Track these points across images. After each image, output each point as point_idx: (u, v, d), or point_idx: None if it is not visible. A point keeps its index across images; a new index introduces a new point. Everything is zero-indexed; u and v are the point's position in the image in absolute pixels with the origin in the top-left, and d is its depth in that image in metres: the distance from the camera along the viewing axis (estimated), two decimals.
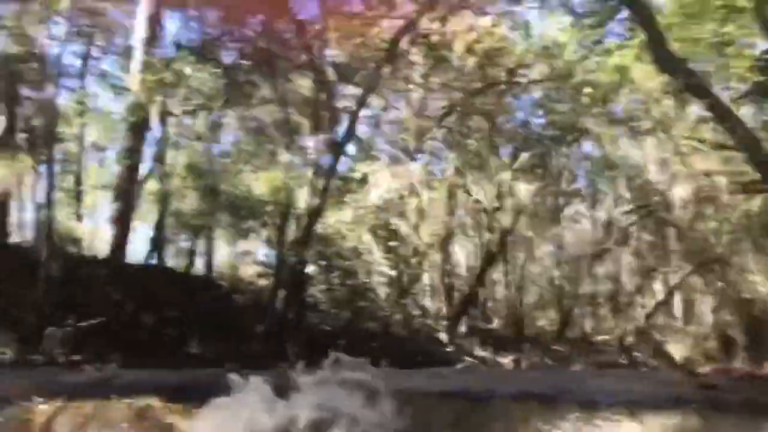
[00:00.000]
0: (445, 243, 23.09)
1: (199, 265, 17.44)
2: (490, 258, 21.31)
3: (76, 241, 18.02)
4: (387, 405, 5.27)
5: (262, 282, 18.42)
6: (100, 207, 23.28)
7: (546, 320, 26.72)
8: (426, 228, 20.38)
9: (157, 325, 14.62)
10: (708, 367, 21.52)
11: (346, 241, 18.38)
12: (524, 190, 19.93)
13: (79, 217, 19.31)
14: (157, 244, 15.44)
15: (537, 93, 21.11)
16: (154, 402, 5.75)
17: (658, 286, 27.76)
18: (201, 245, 17.14)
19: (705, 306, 27.39)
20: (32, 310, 11.95)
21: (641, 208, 23.50)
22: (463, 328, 21.25)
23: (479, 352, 20.60)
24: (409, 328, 18.63)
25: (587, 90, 18.31)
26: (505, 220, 20.84)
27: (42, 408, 5.59)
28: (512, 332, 23.03)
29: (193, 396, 6.01)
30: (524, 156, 20.72)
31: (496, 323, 23.75)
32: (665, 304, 26.61)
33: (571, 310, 24.92)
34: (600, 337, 24.34)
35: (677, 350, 25.64)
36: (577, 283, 25.19)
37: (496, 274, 25.26)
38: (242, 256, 18.73)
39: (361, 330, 17.61)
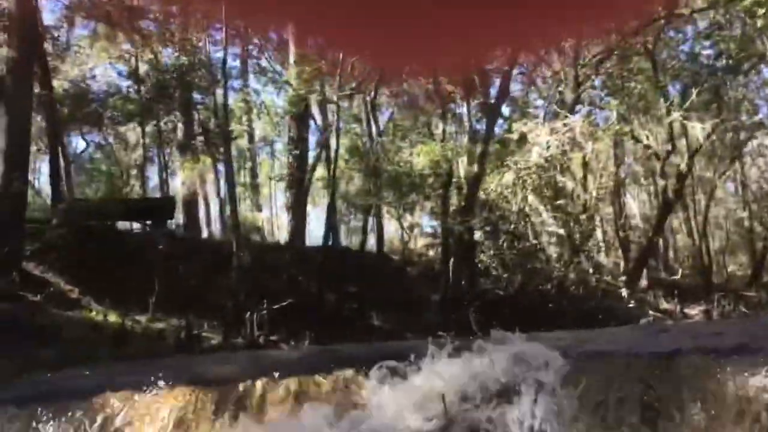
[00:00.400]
0: (616, 195, 22.35)
1: (371, 243, 18.30)
2: (667, 205, 20.30)
3: (258, 230, 19.61)
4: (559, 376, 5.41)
5: (431, 253, 18.96)
6: (275, 197, 25.09)
7: (736, 265, 25.10)
8: (594, 181, 19.82)
9: (339, 301, 15.61)
10: None
11: (511, 204, 18.35)
12: (698, 128, 18.72)
13: (258, 208, 20.91)
14: (331, 226, 16.40)
15: (702, 23, 19.62)
16: (353, 374, 6.31)
17: None
18: (371, 223, 17.95)
19: None
20: (229, 297, 13.25)
21: None
22: (644, 282, 20.57)
23: (664, 305, 19.85)
24: (585, 287, 18.31)
25: (761, 11, 16.75)
26: (680, 163, 19.73)
27: (258, 385, 6.36)
28: (699, 282, 21.91)
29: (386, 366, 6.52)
30: (694, 92, 19.40)
31: (680, 274, 22.66)
32: None
33: (764, 251, 23.18)
34: None
35: None
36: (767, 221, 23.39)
37: (676, 221, 24.08)
38: (410, 230, 19.34)
39: (535, 292, 17.60)
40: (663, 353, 5.30)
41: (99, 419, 6.08)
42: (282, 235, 18.90)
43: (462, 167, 17.65)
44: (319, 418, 5.70)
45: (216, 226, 20.94)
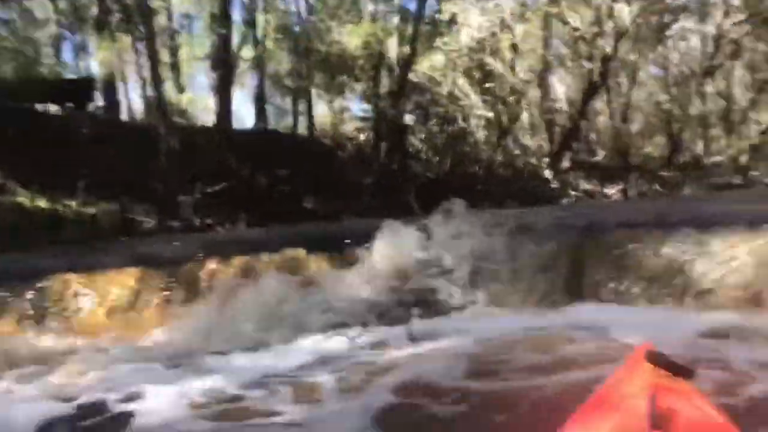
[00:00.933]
0: (542, 77, 22.80)
1: (301, 126, 18.25)
2: (591, 88, 20.95)
3: (182, 113, 19.15)
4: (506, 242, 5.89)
5: (362, 137, 19.13)
6: (197, 78, 24.34)
7: (653, 147, 26.38)
8: (522, 64, 20.14)
9: (270, 185, 15.74)
10: None
11: (441, 87, 18.54)
12: (625, 11, 19.09)
13: (180, 89, 20.32)
14: (260, 109, 16.23)
15: None
16: (301, 254, 6.61)
17: None
18: (301, 106, 17.83)
19: None
20: (160, 180, 13.16)
21: (755, 15, 22.08)
22: (566, 163, 21.47)
23: (585, 185, 20.91)
24: (512, 169, 19.04)
25: None
26: (605, 46, 20.19)
27: (207, 265, 6.59)
28: (618, 163, 23.02)
29: (333, 247, 6.86)
30: None
31: (601, 155, 23.71)
32: None
33: (680, 133, 24.43)
34: (712, 160, 23.92)
35: None
36: (685, 104, 24.47)
37: (599, 103, 24.86)
38: (340, 113, 19.35)
39: (465, 174, 18.17)
40: (588, 226, 5.82)
41: (54, 299, 6.22)
42: (208, 117, 18.54)
43: (393, 49, 17.57)
44: (279, 285, 6.02)
45: (137, 109, 20.33)
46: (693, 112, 24.39)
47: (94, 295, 6.38)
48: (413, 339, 4.24)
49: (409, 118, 18.17)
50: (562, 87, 24.45)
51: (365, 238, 6.78)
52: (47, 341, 5.52)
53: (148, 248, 8.07)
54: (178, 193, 12.31)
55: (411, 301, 5.10)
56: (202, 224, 12.13)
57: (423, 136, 18.70)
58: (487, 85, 18.82)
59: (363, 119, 18.63)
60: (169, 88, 19.11)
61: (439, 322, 5.01)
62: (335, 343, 4.56)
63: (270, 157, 16.03)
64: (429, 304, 5.52)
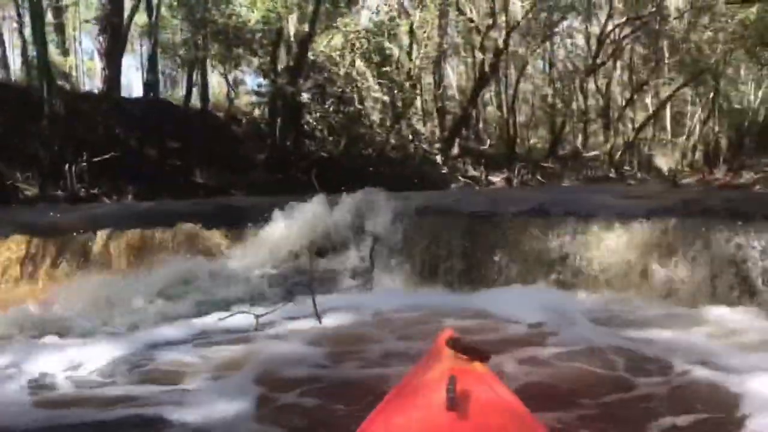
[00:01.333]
0: (436, 65, 23.40)
1: (194, 98, 17.84)
2: (482, 78, 21.74)
3: (66, 77, 18.29)
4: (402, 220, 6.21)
5: (257, 112, 18.99)
6: (82, 40, 23.26)
7: (537, 138, 27.75)
8: (418, 50, 20.58)
9: (161, 157, 15.37)
10: (692, 177, 22.90)
11: (339, 67, 18.65)
12: (518, 5, 19.92)
13: (64, 52, 19.38)
14: (152, 77, 15.75)
15: None
16: (197, 228, 6.63)
17: (648, 100, 28.58)
18: (194, 78, 17.41)
19: (693, 118, 28.39)
20: (42, 146, 12.56)
21: (635, 19, 23.61)
22: (455, 150, 22.22)
23: (471, 172, 21.73)
24: (404, 152, 19.47)
25: None
26: (498, 38, 20.99)
27: (99, 235, 6.48)
28: (503, 152, 24.05)
29: (228, 222, 6.91)
30: None
31: (487, 144, 24.67)
32: (655, 117, 27.55)
33: (562, 127, 25.81)
34: (590, 153, 25.47)
35: (664, 163, 26.99)
36: (568, 100, 25.86)
37: (488, 94, 25.81)
38: (236, 87, 19.09)
39: (358, 156, 18.41)
40: (481, 212, 6.22)
41: None
42: (94, 83, 17.83)
43: (292, 25, 17.50)
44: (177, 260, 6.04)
45: (15, 69, 19.22)
46: (575, 107, 25.83)
47: None
48: (317, 316, 4.41)
49: (305, 97, 18.16)
50: (455, 75, 25.26)
51: (260, 213, 6.88)
52: None
53: (33, 217, 7.80)
54: (62, 161, 11.82)
55: (311, 278, 5.27)
56: (87, 194, 11.73)
57: (318, 115, 18.73)
58: (384, 68, 19.10)
59: (258, 94, 18.46)
60: (50, 51, 18.22)
61: (340, 298, 5.23)
62: (231, 320, 4.65)
63: (160, 129, 15.63)
64: (330, 281, 5.74)
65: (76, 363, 3.99)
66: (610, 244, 5.19)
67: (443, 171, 18.95)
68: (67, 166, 11.60)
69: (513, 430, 1.90)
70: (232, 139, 17.72)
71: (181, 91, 18.21)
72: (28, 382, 3.68)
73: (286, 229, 6.35)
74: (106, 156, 12.11)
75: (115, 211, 9.09)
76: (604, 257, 5.18)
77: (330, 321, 4.67)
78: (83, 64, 23.45)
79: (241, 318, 4.67)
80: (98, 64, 17.26)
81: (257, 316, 4.49)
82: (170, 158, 15.54)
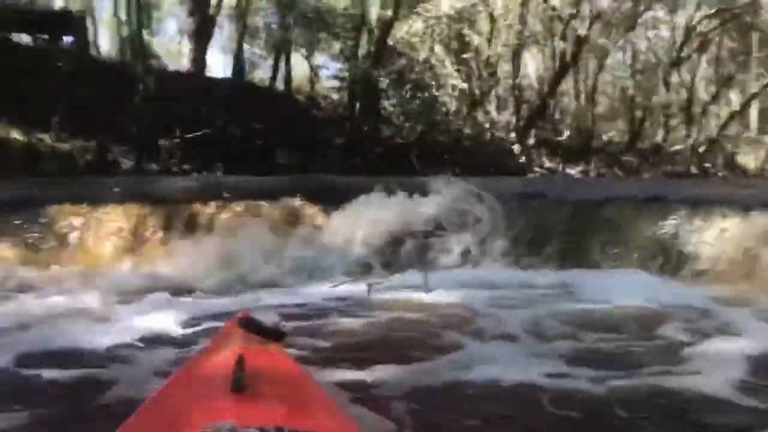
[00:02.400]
0: (516, 53, 23.30)
1: (277, 80, 18.33)
2: (563, 68, 21.58)
3: (154, 57, 19.03)
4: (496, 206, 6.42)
5: (336, 96, 19.37)
6: (168, 22, 24.12)
7: (615, 131, 27.28)
8: (498, 38, 20.57)
9: (245, 137, 15.91)
10: None
11: (418, 53, 18.86)
12: None
13: (152, 33, 20.15)
14: (239, 59, 16.29)
15: None
16: (299, 203, 6.96)
17: (734, 96, 27.71)
18: (279, 60, 17.87)
19: None
20: (135, 122, 13.23)
21: (725, 11, 22.96)
22: (531, 140, 22.13)
23: (547, 163, 21.63)
24: (480, 141, 19.55)
25: None
26: (580, 27, 20.78)
27: (208, 207, 6.90)
28: (581, 144, 23.80)
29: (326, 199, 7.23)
30: None
31: (565, 135, 24.43)
32: (741, 113, 26.71)
33: (642, 120, 25.31)
34: (671, 148, 24.91)
35: (749, 161, 26.18)
36: (650, 93, 25.34)
37: (565, 84, 25.51)
38: (318, 71, 19.50)
39: (434, 142, 18.60)
40: (586, 199, 6.37)
41: (55, 230, 6.47)
42: (179, 63, 18.49)
43: (374, 11, 17.79)
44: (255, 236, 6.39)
45: (107, 48, 20.07)
46: (656, 100, 25.27)
47: (101, 227, 6.65)
48: (426, 287, 4.67)
49: (384, 82, 18.44)
50: (534, 65, 25.07)
51: (356, 193, 7.19)
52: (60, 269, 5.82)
53: (143, 186, 8.30)
54: (155, 137, 12.43)
55: (411, 255, 5.55)
56: (179, 169, 12.31)
57: (396, 101, 19.01)
58: (463, 55, 19.22)
59: (339, 79, 18.85)
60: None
61: (445, 274, 5.46)
62: (344, 288, 4.95)
63: (245, 110, 16.16)
64: (434, 259, 5.99)
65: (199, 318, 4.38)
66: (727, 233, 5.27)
67: (520, 160, 18.94)
68: (161, 141, 12.17)
69: (299, 408, 1.82)
70: (312, 122, 18.15)
71: (261, 74, 18.72)
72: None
73: (387, 208, 6.61)
74: (198, 133, 12.64)
75: (215, 184, 9.53)
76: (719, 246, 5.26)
77: (437, 294, 4.93)
78: (169, 44, 24.26)
79: (351, 286, 4.97)
80: (186, 45, 17.91)
81: (370, 285, 4.78)
82: (253, 138, 16.08)
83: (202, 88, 15.83)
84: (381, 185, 7.23)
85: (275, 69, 17.05)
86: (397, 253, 6.13)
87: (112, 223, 6.66)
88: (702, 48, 24.74)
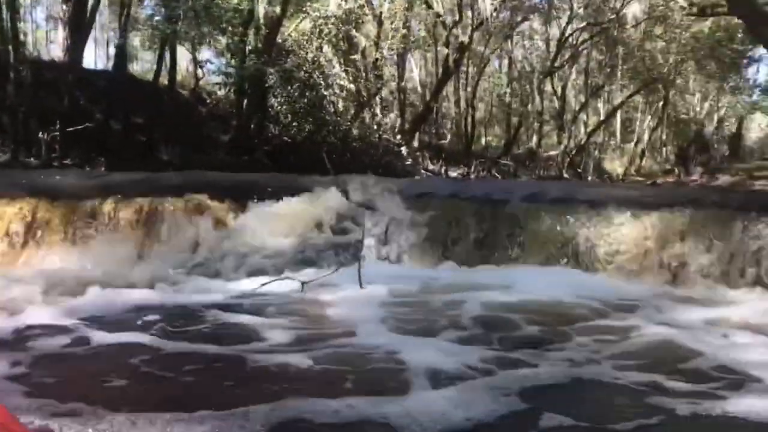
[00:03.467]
0: (400, 57, 23.81)
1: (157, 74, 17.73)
2: (446, 73, 22.24)
3: (22, 44, 17.88)
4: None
5: (221, 93, 19.01)
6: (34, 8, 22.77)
7: (492, 136, 28.51)
8: (385, 41, 20.93)
9: (126, 131, 15.32)
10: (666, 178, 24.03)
11: (306, 52, 18.85)
12: (487, 3, 20.49)
13: (19, 19, 18.93)
14: (122, 50, 15.63)
15: None
16: (204, 199, 6.84)
17: (600, 105, 29.71)
18: (164, 54, 17.29)
19: (643, 125, 29.68)
20: (8, 113, 12.43)
21: (594, 25, 24.56)
22: (415, 143, 22.69)
23: (430, 165, 22.25)
24: (368, 142, 19.79)
25: None
26: (462, 34, 21.53)
27: (108, 203, 6.64)
28: (461, 148, 24.67)
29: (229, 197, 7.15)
30: None
31: (446, 139, 25.23)
32: (605, 122, 28.67)
33: (518, 126, 26.59)
34: (545, 154, 26.32)
35: (615, 167, 28.14)
36: (525, 100, 26.67)
37: (447, 90, 26.35)
38: (203, 66, 19.05)
39: (322, 143, 18.64)
40: (488, 197, 6.70)
41: None
42: (54, 52, 17.53)
43: (263, 6, 17.61)
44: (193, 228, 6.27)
45: None
46: (531, 108, 26.64)
47: None
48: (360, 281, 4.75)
49: (272, 80, 18.28)
50: (417, 69, 25.73)
51: (262, 190, 7.18)
52: None
53: (31, 180, 7.84)
54: (33, 129, 11.73)
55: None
56: (60, 163, 11.68)
57: (283, 99, 18.89)
58: (351, 56, 19.40)
59: (225, 75, 18.47)
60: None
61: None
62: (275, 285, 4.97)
63: (126, 103, 15.55)
64: (347, 256, 6.09)
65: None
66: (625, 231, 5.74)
67: (408, 162, 19.37)
68: (40, 134, 11.50)
69: None
70: (197, 119, 17.74)
71: (137, 66, 18.06)
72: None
73: (298, 204, 6.65)
74: (80, 127, 12.06)
75: (111, 179, 9.13)
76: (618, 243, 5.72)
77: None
78: (33, 34, 22.91)
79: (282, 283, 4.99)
80: (60, 34, 16.98)
81: (304, 283, 4.82)
82: (135, 133, 15.52)
83: (80, 79, 15.07)
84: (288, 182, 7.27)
85: (159, 62, 16.49)
86: (316, 249, 6.18)
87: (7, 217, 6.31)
88: (573, 59, 26.32)
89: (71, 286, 5.13)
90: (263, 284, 4.98)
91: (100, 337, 3.94)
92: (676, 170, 26.05)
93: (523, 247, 6.01)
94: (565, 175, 23.63)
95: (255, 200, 6.84)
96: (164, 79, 17.33)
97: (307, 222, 6.44)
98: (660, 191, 9.32)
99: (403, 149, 19.89)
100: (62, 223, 6.40)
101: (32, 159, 11.39)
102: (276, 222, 6.44)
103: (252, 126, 17.82)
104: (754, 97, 30.26)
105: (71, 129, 12.04)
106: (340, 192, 6.76)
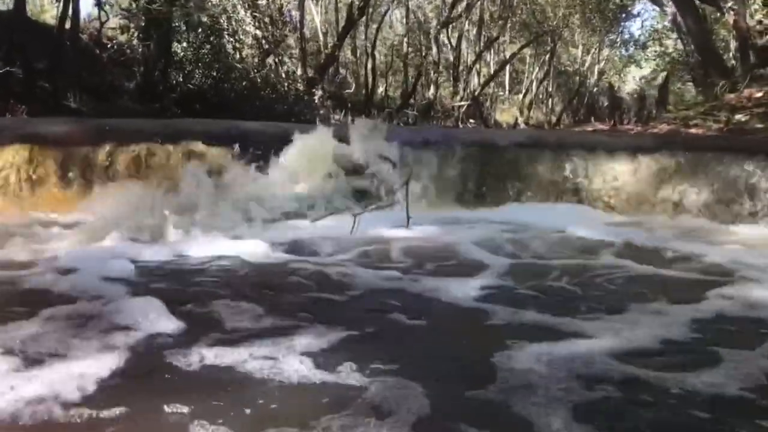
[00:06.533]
0: (300, 3, 23.72)
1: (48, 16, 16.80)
2: (350, 21, 22.42)
3: None
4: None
5: (123, 38, 18.28)
6: None
7: (392, 88, 29.07)
8: None
9: (29, 79, 14.56)
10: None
11: None
12: None
13: None
14: None
15: None
16: (201, 146, 6.93)
17: (490, 58, 30.96)
18: None
19: (531, 77, 31.29)
20: None
21: None
22: (319, 92, 22.84)
23: (335, 115, 22.54)
24: (276, 90, 19.78)
25: None
26: None
27: (103, 149, 6.61)
28: (361, 98, 25.06)
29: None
30: None
31: (349, 89, 25.52)
32: (497, 74, 29.98)
33: (417, 78, 27.29)
34: (442, 105, 27.26)
35: (504, 117, 29.60)
36: (423, 51, 27.37)
37: (349, 39, 26.53)
38: (105, 10, 18.10)
39: (230, 90, 18.48)
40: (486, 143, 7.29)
41: None
42: None
43: None
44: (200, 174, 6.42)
45: None
46: (429, 59, 27.38)
47: None
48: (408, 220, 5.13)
49: (175, 25, 17.84)
50: (318, 16, 25.67)
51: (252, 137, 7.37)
52: None
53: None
54: None
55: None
56: None
57: (187, 45, 18.50)
58: (259, 2, 19.22)
59: (127, 18, 17.75)
60: None
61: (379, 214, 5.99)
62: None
63: (24, 48, 14.72)
64: (363, 200, 6.45)
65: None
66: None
67: (321, 111, 19.59)
68: None
69: None
70: (98, 64, 17.05)
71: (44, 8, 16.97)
72: None
73: (303, 151, 6.90)
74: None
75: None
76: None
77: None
78: None
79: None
80: None
81: (356, 215, 5.19)
82: (40, 81, 14.77)
83: None
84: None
85: (66, 5, 15.57)
86: (336, 193, 6.51)
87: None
88: (468, 10, 27.21)
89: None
90: (313, 220, 5.29)
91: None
92: (565, 120, 27.89)
93: (529, 187, 6.67)
94: (469, 125, 24.71)
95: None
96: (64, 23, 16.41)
97: (322, 167, 6.71)
98: (623, 137, 10.27)
99: (316, 98, 20.06)
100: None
101: None
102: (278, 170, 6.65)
103: (156, 73, 17.37)
104: (631, 51, 32.62)
105: None
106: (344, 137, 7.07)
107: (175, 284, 3.98)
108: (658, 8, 26.53)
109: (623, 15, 29.13)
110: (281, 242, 4.99)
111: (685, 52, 24.44)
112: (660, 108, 20.97)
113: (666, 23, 26.27)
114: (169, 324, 3.15)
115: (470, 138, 7.95)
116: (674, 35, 26.73)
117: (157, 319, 3.17)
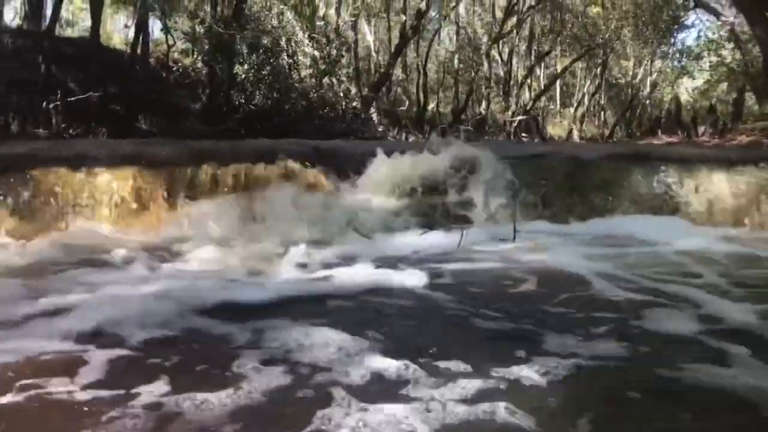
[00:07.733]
0: (354, 23, 24.27)
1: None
2: (403, 39, 22.86)
3: None
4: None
5: (188, 60, 19.01)
6: None
7: (443, 103, 29.40)
8: (345, 8, 21.37)
9: (103, 101, 15.25)
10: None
11: (271, 18, 19.07)
12: None
13: None
14: (94, 18, 15.40)
15: None
16: (297, 166, 7.29)
17: (540, 72, 31.10)
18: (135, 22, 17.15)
19: (582, 90, 31.32)
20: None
21: None
22: (373, 110, 23.29)
23: (391, 132, 22.95)
24: (334, 108, 20.24)
25: None
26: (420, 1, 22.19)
27: (204, 169, 7.02)
28: (413, 114, 25.46)
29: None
30: None
31: (403, 105, 25.94)
32: (549, 88, 30.09)
33: (469, 93, 27.59)
34: (494, 120, 27.47)
35: (556, 131, 29.66)
36: (474, 66, 27.66)
37: (399, 56, 26.98)
38: (172, 33, 18.87)
39: (290, 110, 18.99)
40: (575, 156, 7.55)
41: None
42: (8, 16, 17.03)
43: None
44: (287, 195, 6.78)
45: None
46: (479, 74, 27.66)
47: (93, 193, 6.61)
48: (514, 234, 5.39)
49: (239, 47, 18.45)
50: (371, 35, 26.21)
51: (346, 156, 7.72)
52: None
53: (120, 148, 8.03)
54: (38, 100, 11.68)
55: (441, 213, 6.29)
56: (67, 133, 11.70)
57: (248, 67, 19.09)
58: (316, 23, 19.75)
59: (193, 42, 18.48)
60: None
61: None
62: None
63: (100, 73, 15.44)
64: (454, 217, 6.73)
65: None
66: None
67: (380, 129, 19.98)
68: (49, 105, 11.50)
69: None
70: (165, 86, 17.74)
71: (120, 34, 17.72)
72: None
73: (390, 169, 7.22)
74: (83, 96, 12.09)
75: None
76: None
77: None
78: None
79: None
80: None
81: (463, 228, 5.47)
82: (113, 103, 15.45)
83: (54, 47, 14.85)
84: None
85: (138, 30, 16.36)
86: (430, 209, 6.81)
87: (114, 187, 6.64)
88: (519, 25, 27.47)
89: None
90: (421, 234, 5.60)
91: None
92: (618, 132, 27.86)
93: (620, 201, 6.89)
94: (513, 141, 24.85)
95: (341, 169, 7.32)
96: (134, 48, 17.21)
97: (397, 185, 6.98)
98: (718, 151, 10.42)
99: (373, 116, 20.47)
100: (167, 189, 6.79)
101: (41, 130, 11.36)
102: (369, 187, 6.95)
103: (220, 94, 17.99)
104: (683, 62, 32.44)
105: (74, 98, 12.03)
106: (431, 154, 7.37)
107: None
108: (712, 19, 26.46)
109: (676, 26, 29.05)
110: (402, 256, 5.24)
111: (744, 62, 24.31)
112: (736, 119, 20.86)
113: (723, 32, 26.12)
114: None
115: (561, 153, 8.18)
116: (730, 45, 26.60)
117: None
